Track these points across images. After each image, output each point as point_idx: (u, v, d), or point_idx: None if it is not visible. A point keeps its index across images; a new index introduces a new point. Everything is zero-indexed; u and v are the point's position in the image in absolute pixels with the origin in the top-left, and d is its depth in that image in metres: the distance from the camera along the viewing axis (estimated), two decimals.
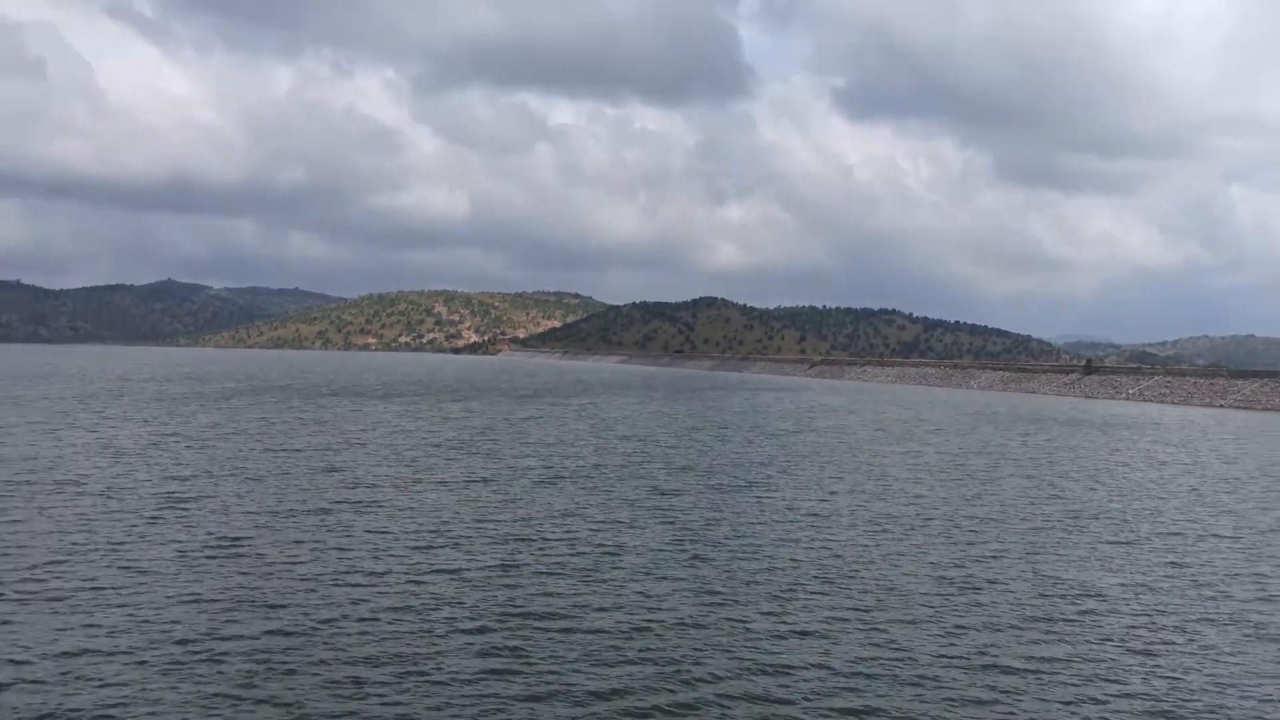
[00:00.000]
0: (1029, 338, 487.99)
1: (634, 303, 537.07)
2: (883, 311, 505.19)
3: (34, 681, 13.51)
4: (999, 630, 16.69)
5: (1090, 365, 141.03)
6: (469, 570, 19.87)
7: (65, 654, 14.47)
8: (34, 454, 36.34)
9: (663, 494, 30.57)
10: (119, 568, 19.31)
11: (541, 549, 21.91)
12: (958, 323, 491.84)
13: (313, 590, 18.20)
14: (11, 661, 14.19)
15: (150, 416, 56.14)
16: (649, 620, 16.79)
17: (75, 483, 29.41)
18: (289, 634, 15.79)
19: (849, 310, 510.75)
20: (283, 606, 17.14)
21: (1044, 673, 14.73)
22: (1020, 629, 16.81)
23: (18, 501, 25.87)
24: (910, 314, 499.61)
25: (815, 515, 27.18)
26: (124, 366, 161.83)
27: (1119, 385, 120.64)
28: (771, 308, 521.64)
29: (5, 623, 15.79)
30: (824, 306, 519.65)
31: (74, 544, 21.10)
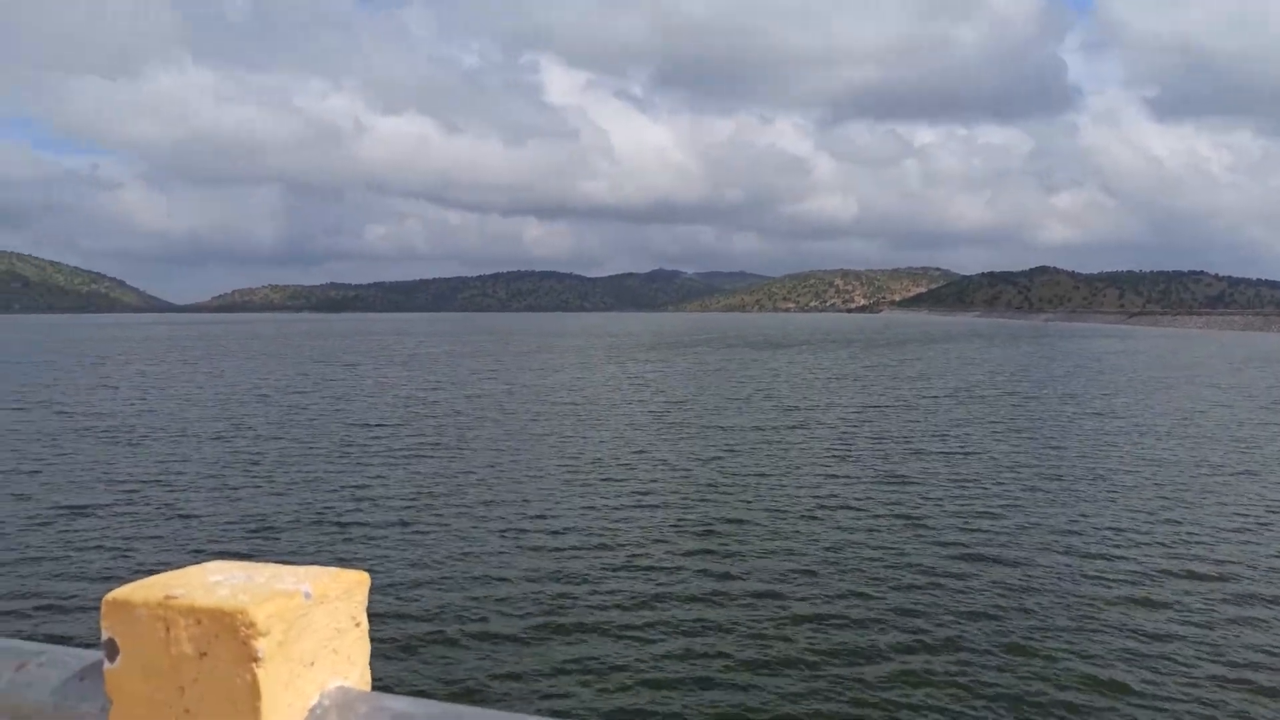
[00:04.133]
0: None
1: (982, 272, 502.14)
2: (1191, 272, 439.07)
3: None
4: None
5: None
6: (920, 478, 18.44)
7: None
8: (567, 383, 39.84)
9: (1024, 413, 27.59)
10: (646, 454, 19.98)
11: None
12: (1259, 279, 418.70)
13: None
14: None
15: (657, 358, 59.50)
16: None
17: (600, 398, 31.28)
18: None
19: (1160, 272, 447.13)
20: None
21: None
22: None
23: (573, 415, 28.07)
24: (1215, 274, 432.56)
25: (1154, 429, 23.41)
26: (635, 327, 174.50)
27: None
28: (1094, 272, 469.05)
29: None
30: (1138, 270, 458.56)
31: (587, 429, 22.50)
